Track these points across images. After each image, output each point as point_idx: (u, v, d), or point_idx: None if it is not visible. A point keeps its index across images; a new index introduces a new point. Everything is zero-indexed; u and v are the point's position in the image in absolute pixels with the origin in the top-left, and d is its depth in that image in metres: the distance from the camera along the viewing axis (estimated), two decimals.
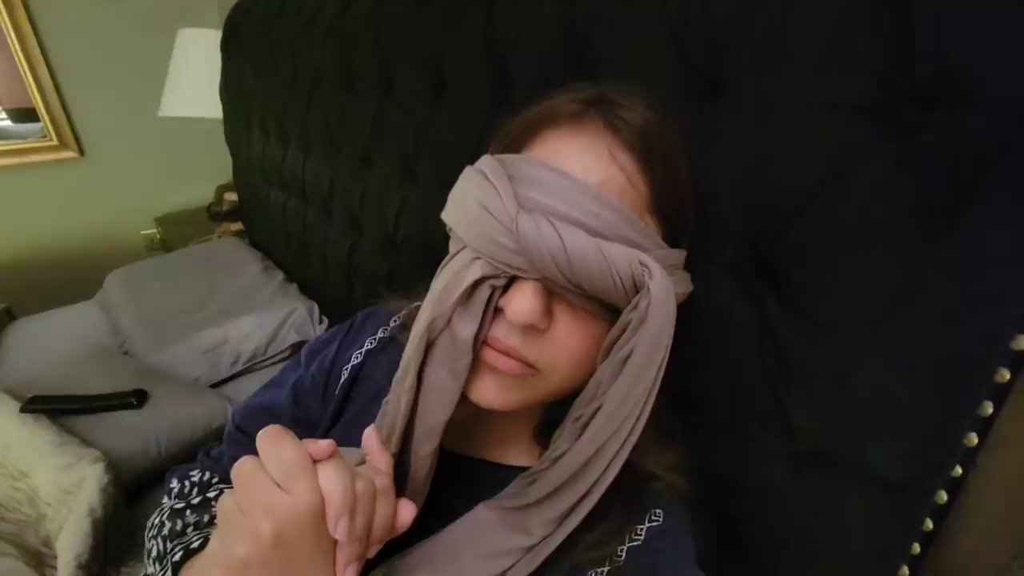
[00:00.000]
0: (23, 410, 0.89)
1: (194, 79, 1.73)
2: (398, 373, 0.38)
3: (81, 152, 2.07)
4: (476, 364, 0.36)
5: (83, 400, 0.95)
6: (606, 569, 0.39)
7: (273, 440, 0.30)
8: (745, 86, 0.43)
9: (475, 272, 0.33)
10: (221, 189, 2.12)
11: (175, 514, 0.48)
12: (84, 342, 1.34)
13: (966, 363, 0.37)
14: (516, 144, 0.38)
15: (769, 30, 0.41)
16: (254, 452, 0.54)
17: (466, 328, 0.34)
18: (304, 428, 0.53)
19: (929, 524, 0.44)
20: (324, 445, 0.31)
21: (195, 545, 0.44)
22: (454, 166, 0.78)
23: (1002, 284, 0.35)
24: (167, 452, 0.94)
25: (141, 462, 0.90)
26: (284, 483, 0.29)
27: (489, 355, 0.35)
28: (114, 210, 2.19)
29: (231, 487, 0.50)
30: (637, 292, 0.33)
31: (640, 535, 0.40)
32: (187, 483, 0.53)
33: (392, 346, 0.53)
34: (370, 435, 0.36)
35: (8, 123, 1.94)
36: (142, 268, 1.58)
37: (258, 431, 0.53)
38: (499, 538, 0.38)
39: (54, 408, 0.92)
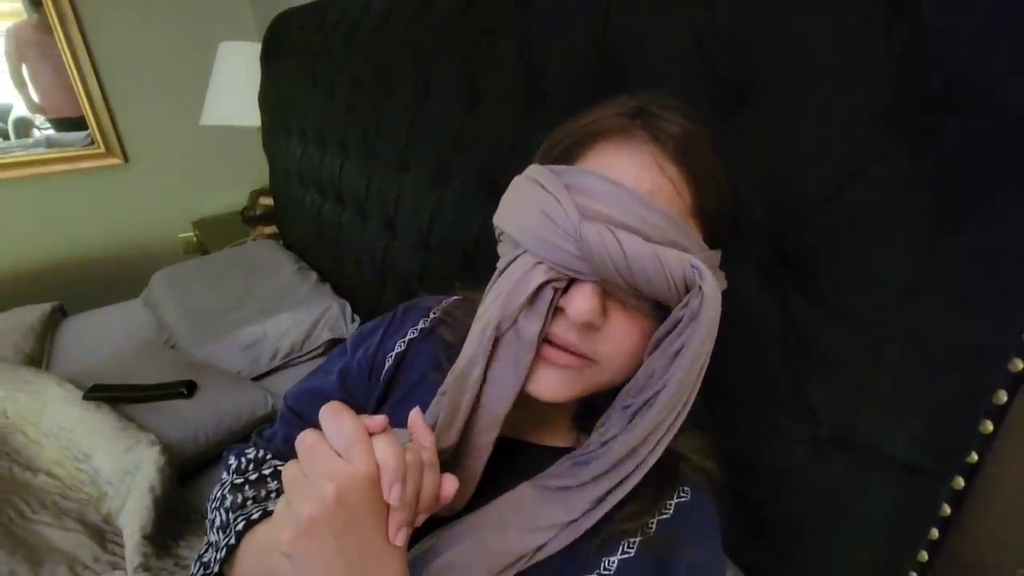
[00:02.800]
0: (86, 397, 0.96)
1: (234, 89, 1.81)
2: (458, 368, 0.41)
3: (126, 159, 2.17)
4: (536, 360, 0.39)
5: (139, 389, 1.02)
6: (637, 539, 0.42)
7: (334, 414, 0.34)
8: (768, 95, 0.47)
9: (539, 276, 0.37)
10: (255, 194, 2.20)
11: (235, 488, 0.52)
12: (133, 337, 1.41)
13: (979, 352, 0.40)
14: (566, 156, 0.41)
15: (791, 43, 0.44)
16: (304, 429, 0.59)
17: (531, 327, 0.37)
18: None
19: (947, 509, 0.46)
20: (378, 420, 0.34)
21: (255, 516, 0.48)
22: (487, 171, 0.83)
23: (1013, 279, 0.37)
24: (213, 439, 0.99)
25: (190, 448, 0.96)
26: (344, 452, 0.32)
27: (549, 353, 0.38)
28: (155, 214, 2.29)
29: (284, 464, 0.55)
30: (687, 291, 0.36)
31: (669, 509, 0.43)
32: (243, 460, 0.58)
33: (432, 337, 0.57)
34: (416, 416, 0.39)
35: (51, 131, 2.05)
36: (184, 268, 1.66)
37: (310, 412, 0.58)
38: (542, 513, 0.41)
39: (113, 396, 0.98)
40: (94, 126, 2.07)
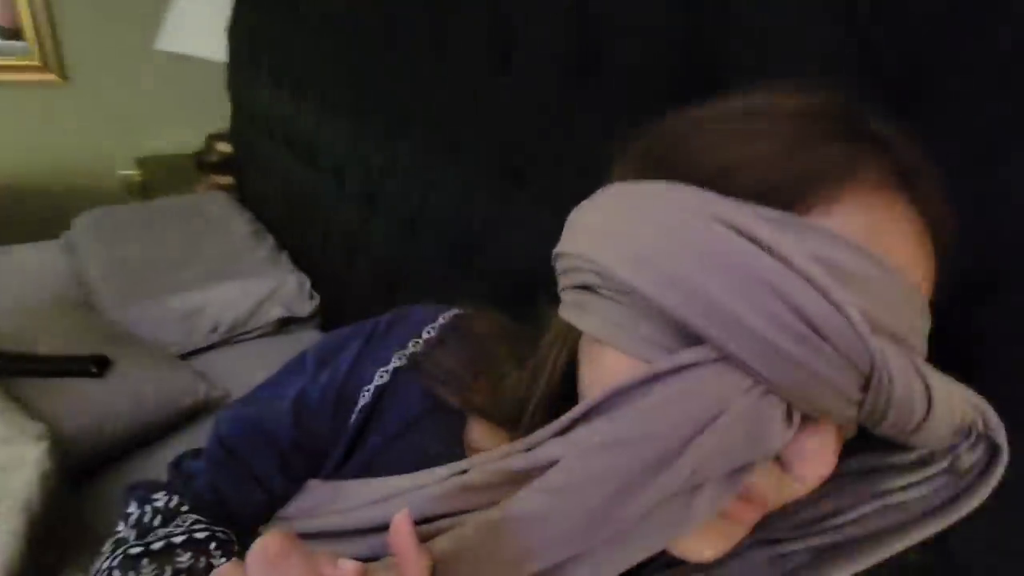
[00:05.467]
0: None
1: (199, 14, 1.59)
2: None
3: (64, 77, 1.89)
4: None
5: (36, 361, 0.83)
6: None
7: (273, 560, 0.21)
8: (952, 105, 0.34)
9: (779, 428, 0.22)
10: (212, 138, 1.99)
11: (128, 563, 0.37)
12: (43, 288, 1.22)
13: None
14: (766, 197, 0.24)
15: (1005, 27, 0.32)
16: (239, 478, 0.43)
17: (733, 487, 0.23)
18: (305, 456, 0.42)
19: None
20: (350, 570, 0.22)
21: None
22: (510, 152, 0.69)
23: None
24: (126, 432, 0.82)
25: (92, 441, 0.78)
26: None
27: (736, 506, 0.25)
28: (92, 144, 2.01)
29: (203, 525, 0.39)
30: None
31: None
32: (148, 509, 0.42)
33: (422, 368, 0.42)
34: (402, 525, 0.24)
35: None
36: (118, 213, 1.46)
37: (249, 452, 0.43)
38: None
39: (1, 366, 0.79)
40: (30, 35, 1.79)
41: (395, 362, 0.42)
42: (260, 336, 1.21)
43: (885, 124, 0.26)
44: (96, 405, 0.80)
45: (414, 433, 0.40)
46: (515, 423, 0.34)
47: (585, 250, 0.27)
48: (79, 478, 0.78)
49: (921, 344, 0.24)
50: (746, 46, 0.44)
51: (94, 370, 0.84)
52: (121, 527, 0.41)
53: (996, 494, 0.34)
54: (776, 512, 0.27)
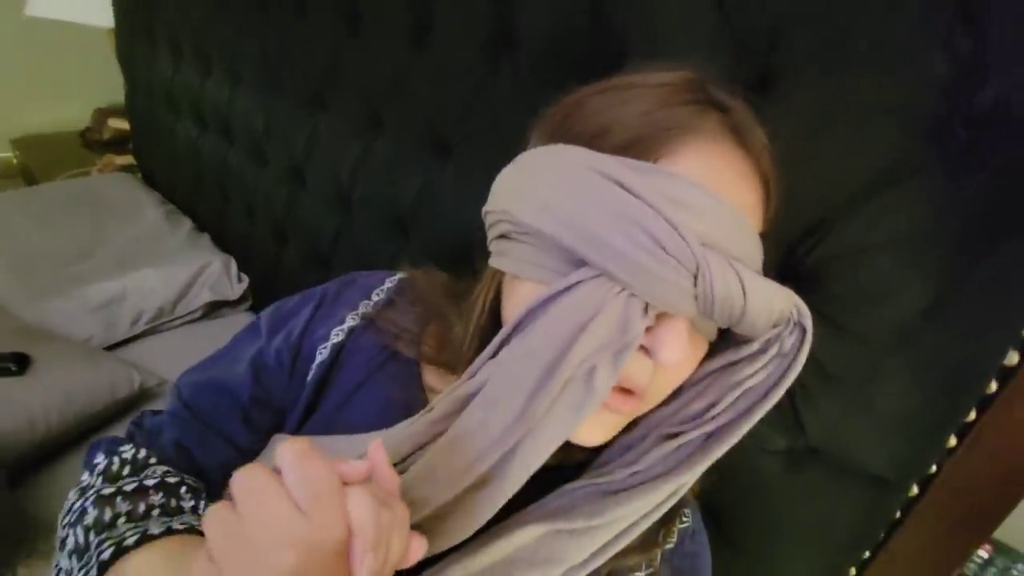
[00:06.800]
0: None
1: None
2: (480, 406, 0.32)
3: None
4: None
5: None
6: (643, 575, 0.38)
7: (301, 457, 0.25)
8: (799, 83, 0.42)
9: (640, 319, 0.29)
10: (101, 113, 1.82)
11: (102, 501, 0.39)
12: None
13: (973, 375, 0.40)
14: (628, 148, 0.32)
15: (836, 28, 0.40)
16: (205, 435, 0.46)
17: (613, 375, 0.30)
18: (266, 411, 0.46)
19: (897, 514, 0.48)
20: (361, 468, 0.26)
21: (129, 542, 0.36)
22: (435, 123, 0.71)
23: (1019, 303, 0.37)
24: (59, 428, 0.79)
25: (25, 440, 0.76)
26: (309, 508, 0.24)
27: (617, 398, 0.32)
28: None
29: (173, 474, 0.42)
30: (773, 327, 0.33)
31: (673, 537, 0.40)
32: (116, 460, 0.43)
33: (375, 326, 0.47)
34: (378, 451, 0.29)
35: None
36: (3, 201, 1.33)
37: (213, 412, 0.46)
38: (549, 553, 0.34)
39: None
40: None
41: (350, 321, 0.47)
42: (190, 322, 1.17)
43: (728, 94, 0.34)
44: (21, 404, 0.77)
45: (373, 384, 0.44)
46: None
47: (503, 205, 0.34)
48: (21, 474, 0.75)
49: (751, 260, 0.31)
50: (641, 30, 0.51)
51: (13, 368, 0.80)
52: (86, 476, 0.42)
53: (836, 306, 0.44)
54: (672, 410, 0.35)
